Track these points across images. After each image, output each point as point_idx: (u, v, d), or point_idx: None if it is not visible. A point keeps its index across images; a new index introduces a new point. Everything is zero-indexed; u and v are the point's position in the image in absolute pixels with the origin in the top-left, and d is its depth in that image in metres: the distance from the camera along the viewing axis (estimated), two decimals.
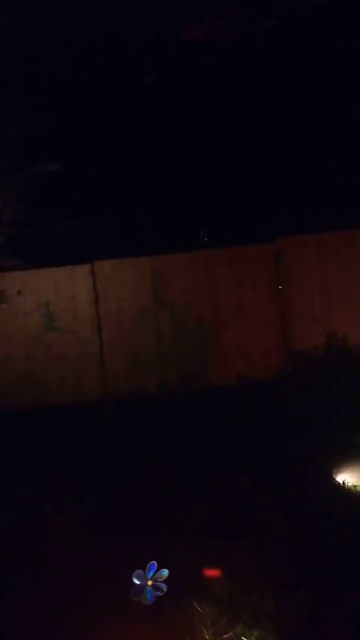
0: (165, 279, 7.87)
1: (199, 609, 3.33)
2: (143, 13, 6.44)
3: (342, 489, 4.80)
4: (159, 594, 3.39)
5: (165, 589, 3.39)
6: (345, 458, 5.12)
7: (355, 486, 4.81)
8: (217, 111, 8.61)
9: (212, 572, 3.45)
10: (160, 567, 3.41)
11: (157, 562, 3.41)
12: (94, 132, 8.76)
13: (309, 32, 7.77)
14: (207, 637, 3.13)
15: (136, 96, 8.57)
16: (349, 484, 4.84)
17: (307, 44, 7.99)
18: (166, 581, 3.40)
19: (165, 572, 3.42)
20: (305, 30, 7.66)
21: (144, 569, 3.41)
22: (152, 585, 3.39)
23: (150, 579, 3.40)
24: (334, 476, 4.94)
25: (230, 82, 8.39)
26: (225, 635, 3.14)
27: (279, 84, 8.44)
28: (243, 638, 3.10)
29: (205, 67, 8.14)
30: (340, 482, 4.88)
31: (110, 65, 7.80)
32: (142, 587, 3.40)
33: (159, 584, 3.40)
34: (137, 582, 3.40)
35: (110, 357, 7.78)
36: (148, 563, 3.42)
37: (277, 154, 8.78)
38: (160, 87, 8.15)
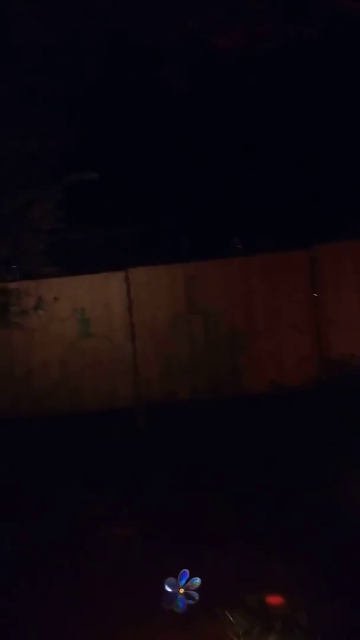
0: (199, 285, 7.89)
1: (231, 618, 3.31)
2: (180, 19, 6.48)
3: None
4: (191, 602, 3.38)
5: (197, 598, 3.38)
6: None
7: None
8: (253, 118, 8.60)
9: (274, 599, 3.42)
10: (192, 576, 3.41)
11: (189, 570, 3.40)
12: (130, 140, 8.86)
13: (349, 41, 7.70)
14: None
15: (172, 103, 8.63)
16: None
17: (347, 52, 7.93)
18: (198, 590, 3.39)
19: (197, 581, 3.41)
20: (345, 38, 7.60)
21: (176, 576, 3.41)
22: (184, 593, 3.39)
23: (182, 587, 3.40)
24: None
25: (268, 89, 8.38)
26: None
27: (318, 91, 8.39)
28: None
29: (243, 74, 8.14)
30: None
31: (148, 72, 7.87)
32: (174, 594, 3.39)
33: (190, 592, 3.40)
34: (169, 589, 3.40)
35: (143, 363, 7.83)
36: (180, 571, 3.42)
37: (314, 159, 8.71)
38: (197, 94, 8.19)
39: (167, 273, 7.98)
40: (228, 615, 3.33)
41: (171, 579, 3.42)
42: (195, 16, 6.23)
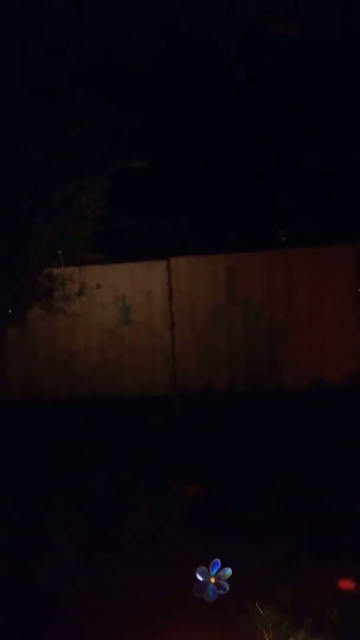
0: (240, 277, 7.85)
1: (261, 611, 3.32)
2: (235, 7, 6.38)
3: None
4: (221, 592, 3.40)
5: (227, 588, 3.40)
6: None
7: None
8: (305, 108, 8.44)
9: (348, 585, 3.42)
10: (224, 567, 3.43)
11: (221, 561, 3.42)
12: (179, 129, 8.83)
13: None
14: None
15: (223, 92, 8.55)
16: None
17: None
18: (229, 581, 3.41)
19: (228, 571, 3.43)
20: None
21: (208, 566, 3.44)
22: (215, 583, 3.41)
23: (214, 576, 3.42)
24: None
25: (322, 79, 8.20)
26: None
27: None
28: None
29: (299, 63, 7.99)
30: None
31: (200, 60, 7.81)
32: (205, 584, 3.42)
33: (221, 582, 3.42)
34: (200, 578, 3.43)
35: (181, 353, 7.86)
36: (212, 561, 3.44)
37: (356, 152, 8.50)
38: (250, 84, 8.08)
39: (209, 263, 7.96)
40: (258, 607, 3.34)
41: (203, 568, 3.44)
42: (251, 3, 6.13)
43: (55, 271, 6.44)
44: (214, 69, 7.45)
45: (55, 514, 4.51)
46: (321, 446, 5.60)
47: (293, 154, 8.60)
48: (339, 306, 7.67)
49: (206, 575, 3.43)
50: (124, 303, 8.07)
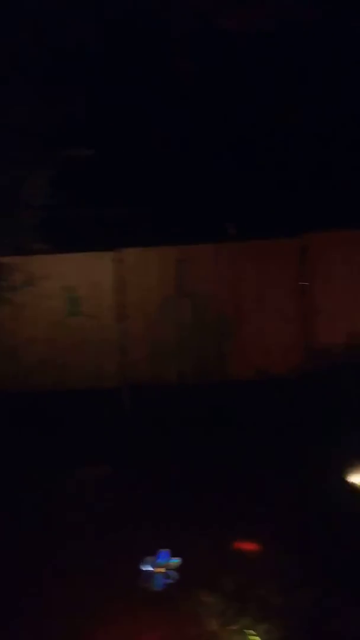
0: (189, 269, 7.88)
1: (207, 599, 3.38)
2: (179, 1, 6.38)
3: (354, 489, 4.80)
4: (169, 581, 3.45)
5: (175, 577, 3.46)
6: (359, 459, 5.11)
7: None
8: (250, 100, 8.52)
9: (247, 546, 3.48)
10: (171, 556, 3.48)
11: (166, 550, 3.47)
12: (128, 119, 8.74)
13: (352, 27, 7.64)
14: (214, 627, 3.19)
15: (169, 83, 8.53)
16: None
17: (348, 39, 7.86)
18: (176, 570, 3.46)
19: (176, 561, 3.49)
20: (348, 24, 7.53)
21: (155, 556, 3.48)
22: (162, 572, 3.46)
23: (161, 566, 3.47)
24: (348, 477, 4.94)
25: (266, 72, 8.29)
26: (231, 627, 3.19)
27: (315, 76, 8.32)
28: (249, 630, 3.15)
29: (243, 56, 8.04)
30: (355, 482, 4.88)
31: (146, 51, 7.75)
32: (152, 573, 3.46)
33: (169, 571, 3.47)
34: (147, 568, 3.47)
35: (131, 345, 7.84)
36: (159, 551, 3.48)
37: (309, 147, 8.67)
38: (194, 75, 8.08)
39: (158, 255, 7.96)
40: (204, 596, 3.40)
41: (150, 558, 3.48)
42: None
43: (1, 260, 6.29)
44: (161, 58, 7.42)
45: None
46: (264, 434, 5.74)
47: (241, 147, 8.67)
48: (284, 299, 7.82)
49: (153, 565, 3.48)
50: (71, 294, 7.96)
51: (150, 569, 3.47)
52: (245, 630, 3.15)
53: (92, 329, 7.89)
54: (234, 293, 7.88)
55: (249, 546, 3.50)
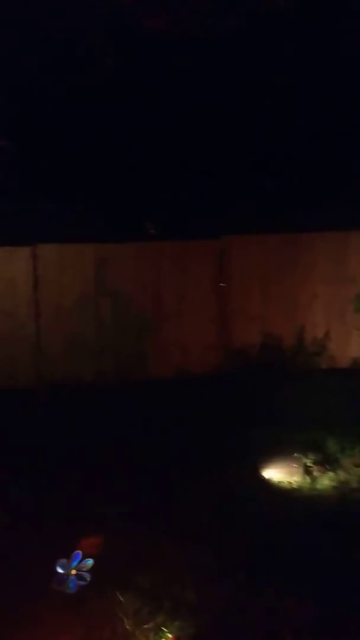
0: (110, 268, 7.81)
1: (121, 598, 3.34)
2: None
3: (267, 484, 4.93)
4: (83, 583, 3.38)
5: (88, 579, 3.39)
6: (273, 455, 5.26)
7: (280, 482, 4.96)
8: (171, 102, 8.58)
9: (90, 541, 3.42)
10: (84, 557, 3.41)
11: (81, 553, 3.40)
12: (46, 113, 8.55)
13: (271, 33, 7.89)
14: (128, 627, 3.15)
15: (92, 80, 8.43)
16: (275, 480, 4.98)
17: (266, 45, 8.10)
18: (90, 571, 3.40)
19: (89, 562, 3.42)
20: (267, 30, 7.77)
21: (68, 558, 3.40)
22: (75, 574, 3.38)
23: (74, 568, 3.39)
24: (260, 472, 5.07)
25: (188, 75, 8.38)
26: (146, 625, 3.17)
27: (235, 81, 8.50)
28: (163, 628, 3.14)
29: (164, 57, 8.09)
30: (267, 477, 5.01)
31: (67, 48, 7.63)
32: (66, 576, 3.38)
33: (82, 573, 3.40)
34: (60, 570, 3.38)
35: (47, 343, 7.65)
36: (73, 552, 3.41)
37: (227, 151, 8.84)
38: (117, 74, 8.05)
39: (77, 252, 7.82)
40: (118, 595, 3.36)
41: (63, 560, 3.40)
42: None
43: None
44: (83, 54, 7.33)
45: None
46: (179, 432, 5.77)
47: (164, 147, 8.71)
48: (203, 300, 7.93)
49: (67, 568, 3.39)
50: None
51: (63, 571, 3.38)
52: (160, 628, 3.14)
53: (6, 326, 7.62)
54: (155, 292, 7.89)
55: (92, 542, 3.46)
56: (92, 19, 6.92)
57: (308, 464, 5.16)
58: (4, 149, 6.00)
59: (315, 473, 5.06)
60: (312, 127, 8.68)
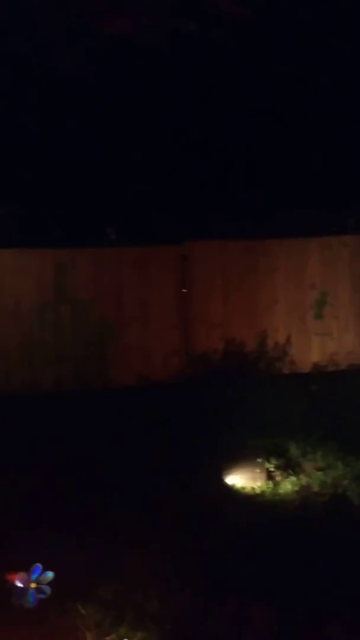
0: (69, 273, 7.70)
1: (82, 611, 3.25)
2: (67, 2, 6.30)
3: (230, 490, 4.90)
4: (42, 596, 3.27)
5: (48, 592, 3.28)
6: (236, 460, 5.24)
7: (243, 488, 4.94)
8: (132, 106, 8.57)
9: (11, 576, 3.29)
10: (44, 570, 3.30)
11: (40, 565, 3.29)
12: (3, 116, 8.41)
13: (232, 40, 7.99)
14: (90, 639, 3.06)
15: (52, 84, 8.35)
16: (238, 486, 4.96)
17: (227, 51, 8.19)
18: (50, 584, 3.29)
19: (49, 575, 3.31)
20: (229, 37, 7.87)
21: (27, 571, 3.28)
22: (35, 587, 3.27)
23: (34, 581, 3.28)
24: (223, 477, 5.04)
25: (150, 79, 8.39)
26: (108, 637, 3.09)
27: (196, 86, 8.56)
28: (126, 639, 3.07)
29: (125, 62, 8.08)
30: (230, 483, 4.99)
31: (25, 48, 7.52)
32: (25, 589, 3.26)
33: (42, 586, 3.29)
34: (19, 584, 3.26)
35: (4, 350, 7.46)
36: (32, 565, 3.29)
37: (188, 157, 8.88)
38: (78, 78, 7.98)
39: (36, 258, 7.68)
40: (80, 608, 3.27)
41: (22, 574, 3.28)
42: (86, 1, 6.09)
43: None
44: (41, 58, 7.25)
45: None
46: (140, 439, 5.70)
47: (124, 152, 8.68)
48: (165, 305, 7.90)
49: (26, 581, 3.28)
50: None
51: (23, 585, 3.26)
52: (125, 639, 3.05)
53: None
54: (116, 298, 7.81)
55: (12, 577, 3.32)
56: (53, 24, 6.86)
57: (270, 469, 5.16)
58: None
59: (277, 478, 5.07)
60: (273, 135, 8.80)
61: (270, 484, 4.97)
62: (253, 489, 4.93)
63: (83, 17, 6.58)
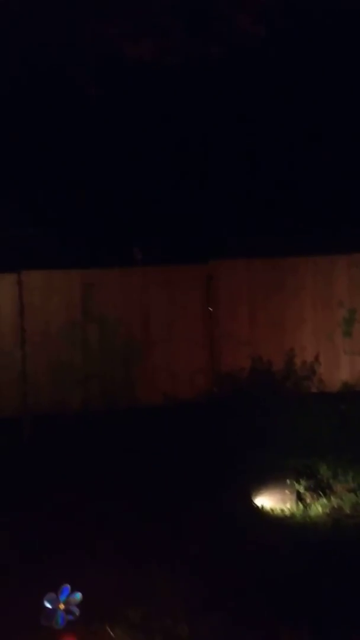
0: (96, 293, 7.77)
1: (111, 633, 3.21)
2: (88, 27, 6.46)
3: (260, 512, 4.82)
4: (71, 617, 3.24)
5: (77, 613, 3.25)
6: (264, 481, 5.17)
7: (273, 509, 4.85)
8: (155, 128, 8.70)
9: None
10: (73, 591, 3.27)
11: (70, 585, 3.26)
12: (29, 140, 8.62)
13: (251, 63, 8.09)
14: None
15: (76, 107, 8.54)
16: (267, 507, 4.87)
17: (247, 73, 8.30)
18: (79, 605, 3.26)
19: (78, 596, 3.28)
20: (248, 60, 7.97)
21: (56, 592, 3.26)
22: (64, 608, 3.24)
23: (63, 602, 3.25)
24: (253, 499, 4.96)
25: (172, 102, 8.53)
26: None
27: (218, 107, 8.66)
28: None
29: (147, 85, 8.24)
30: (259, 505, 4.90)
31: (51, 72, 7.73)
32: (54, 610, 3.24)
33: (71, 607, 3.26)
34: (48, 605, 3.24)
35: (33, 370, 7.54)
36: (61, 586, 3.27)
37: (213, 176, 8.95)
38: (102, 101, 8.16)
39: (64, 278, 7.78)
40: (108, 629, 3.22)
41: (51, 595, 3.26)
42: (105, 23, 6.23)
43: None
44: (67, 85, 7.43)
45: None
46: (170, 460, 5.66)
47: (149, 173, 8.80)
48: (191, 324, 7.89)
49: (55, 602, 3.25)
50: None
51: (52, 606, 3.24)
52: None
53: None
54: (142, 318, 7.84)
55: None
56: (75, 48, 7.04)
57: (300, 490, 5.06)
58: None
59: (307, 499, 4.96)
60: (299, 152, 8.83)
61: (301, 505, 4.88)
62: (283, 510, 4.84)
63: (104, 41, 6.74)
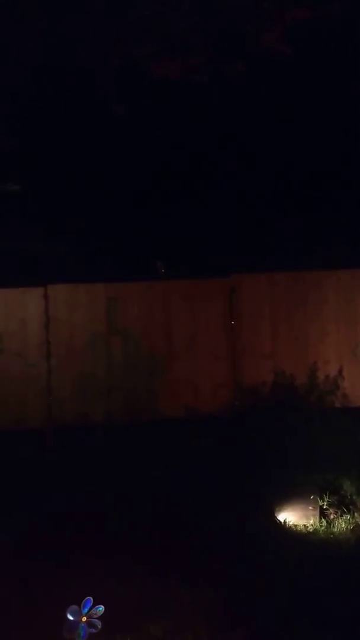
0: (120, 307, 7.84)
1: None
2: (119, 44, 6.60)
3: (282, 527, 4.79)
4: (93, 630, 3.26)
5: (99, 626, 3.27)
6: (287, 496, 5.13)
7: (295, 525, 4.82)
8: (181, 145, 8.80)
9: None
10: (95, 604, 3.29)
11: (93, 598, 3.28)
12: (57, 156, 8.79)
13: (278, 80, 8.16)
14: None
15: (102, 124, 8.70)
16: (290, 523, 4.84)
17: (274, 91, 8.36)
18: (101, 618, 3.28)
19: (101, 609, 3.30)
20: (274, 78, 8.04)
21: (79, 604, 3.28)
22: (86, 621, 3.26)
23: (85, 615, 3.27)
24: (275, 515, 4.93)
25: (198, 119, 8.63)
26: None
27: (244, 125, 8.73)
28: None
29: (175, 103, 8.36)
30: (282, 520, 4.87)
31: (79, 91, 7.90)
32: (76, 623, 3.26)
33: (93, 620, 3.28)
34: (71, 617, 3.26)
35: (57, 383, 7.63)
36: (84, 599, 3.29)
37: (235, 190, 9.00)
38: (128, 118, 8.30)
39: (88, 292, 7.88)
40: None
41: (74, 607, 3.28)
42: (133, 42, 6.35)
43: None
44: (95, 100, 7.56)
45: None
46: (192, 473, 5.65)
47: (172, 186, 8.88)
48: (213, 337, 7.91)
49: (77, 614, 3.27)
50: None
51: (74, 618, 3.26)
52: None
53: (16, 367, 7.62)
54: (165, 331, 7.89)
55: None
56: (103, 68, 7.19)
57: (324, 506, 5.01)
58: (17, 192, 6.15)
59: (331, 516, 4.92)
60: (322, 166, 8.83)
61: (324, 521, 4.83)
62: (306, 526, 4.80)
63: (132, 60, 6.87)
